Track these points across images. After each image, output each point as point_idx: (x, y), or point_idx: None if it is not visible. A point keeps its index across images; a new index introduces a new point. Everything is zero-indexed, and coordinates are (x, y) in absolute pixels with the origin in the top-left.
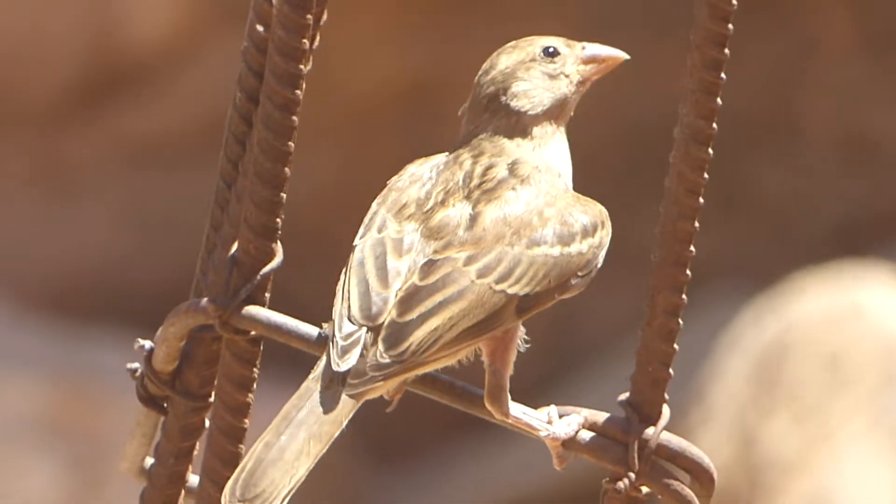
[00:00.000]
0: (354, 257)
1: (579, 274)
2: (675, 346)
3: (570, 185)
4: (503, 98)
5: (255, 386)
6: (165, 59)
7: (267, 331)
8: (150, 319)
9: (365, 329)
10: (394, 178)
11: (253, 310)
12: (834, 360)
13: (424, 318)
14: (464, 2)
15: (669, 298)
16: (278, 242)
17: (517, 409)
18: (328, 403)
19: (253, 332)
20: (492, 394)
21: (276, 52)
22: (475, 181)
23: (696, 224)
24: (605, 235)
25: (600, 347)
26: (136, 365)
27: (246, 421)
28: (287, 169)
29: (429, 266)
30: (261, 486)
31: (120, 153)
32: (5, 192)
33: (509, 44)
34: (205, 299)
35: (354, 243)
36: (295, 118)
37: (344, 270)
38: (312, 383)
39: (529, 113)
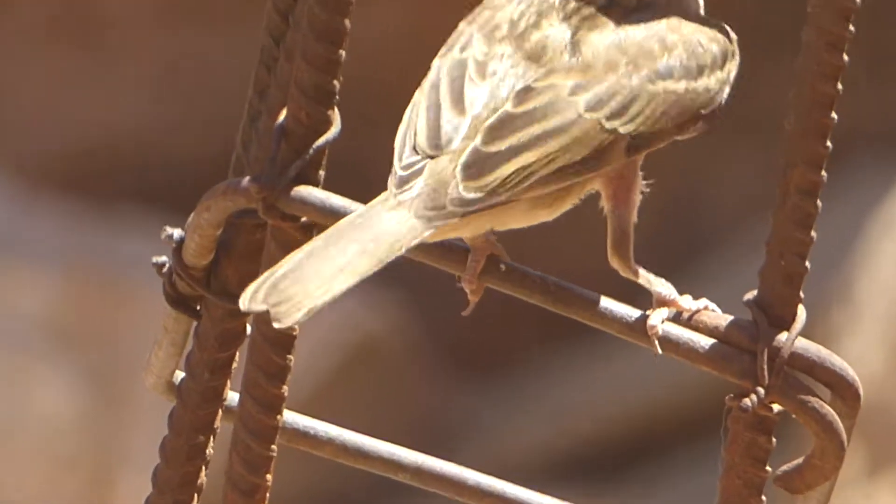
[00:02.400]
0: (428, 78)
1: (702, 112)
2: (813, 233)
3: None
4: None
5: None
6: None
7: (321, 216)
8: (182, 202)
9: (430, 160)
10: None
11: (304, 190)
12: None
13: (517, 150)
14: None
15: (806, 175)
16: (335, 108)
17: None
18: (391, 223)
19: (304, 218)
20: (617, 244)
21: None
22: (572, 4)
23: (840, 85)
24: (733, 67)
25: (723, 236)
26: (163, 258)
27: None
28: (346, 20)
29: (526, 92)
30: (290, 292)
31: (151, 5)
32: (18, 49)
33: None
34: (246, 178)
35: (433, 63)
36: None
37: (417, 92)
38: (378, 203)
39: None
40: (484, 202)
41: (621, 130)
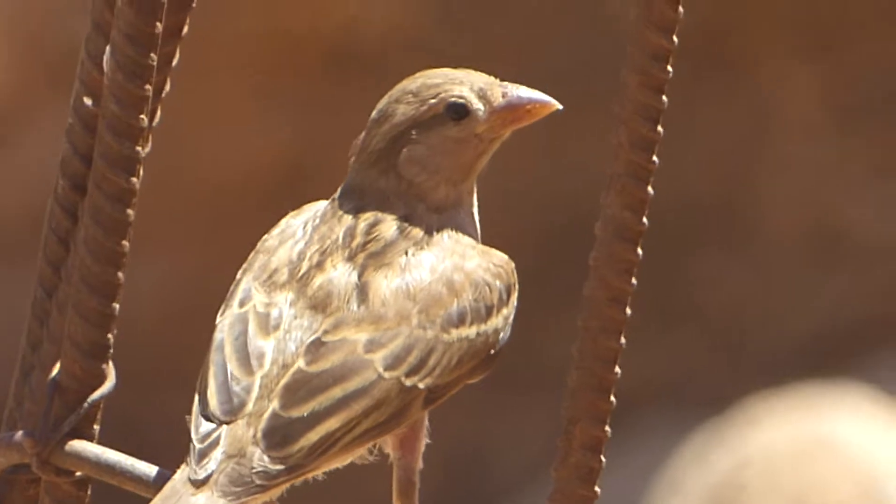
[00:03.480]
0: (214, 339)
1: (491, 353)
2: (597, 489)
3: (478, 238)
4: (393, 159)
5: None
6: None
7: (96, 471)
8: None
9: (225, 427)
10: (264, 237)
11: (79, 445)
12: (800, 503)
13: (320, 416)
14: (344, 64)
15: (589, 431)
16: (110, 363)
17: None
18: None
19: (79, 473)
20: (403, 491)
21: (107, 130)
22: (358, 240)
23: (622, 340)
24: (515, 298)
25: (508, 492)
26: None
27: None
28: (120, 273)
29: (318, 347)
30: None
31: None
32: None
33: (411, 84)
34: (20, 432)
35: (216, 322)
36: (130, 211)
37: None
38: (180, 485)
39: (425, 183)
40: (290, 474)
41: (420, 386)
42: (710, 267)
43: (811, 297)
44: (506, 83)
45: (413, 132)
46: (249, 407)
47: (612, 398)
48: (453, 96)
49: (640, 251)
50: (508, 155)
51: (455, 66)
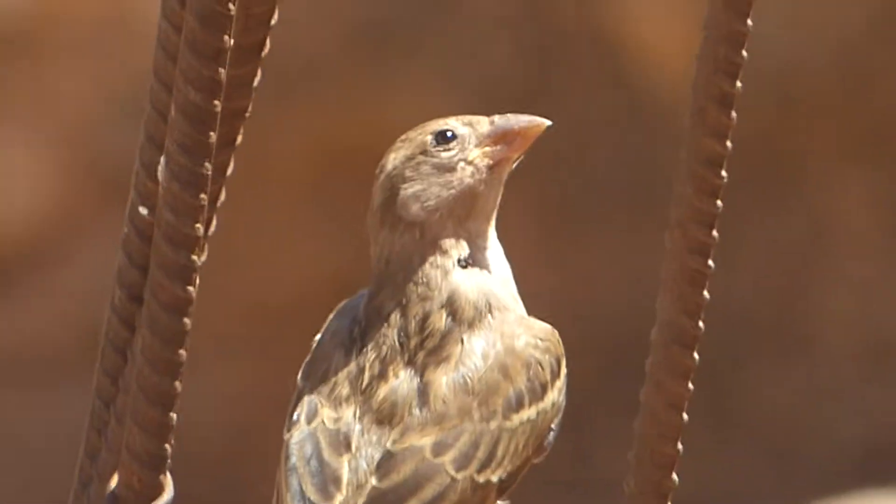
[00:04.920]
0: (284, 461)
1: (552, 427)
2: None
3: (515, 291)
4: (394, 208)
5: None
6: (30, 253)
7: None
8: None
9: None
10: (317, 337)
11: None
12: None
13: None
14: None
15: None
16: (167, 474)
17: None
18: None
19: None
20: None
21: (163, 239)
22: (414, 340)
23: (680, 446)
24: (564, 366)
25: None
26: None
27: None
28: (178, 383)
29: (388, 461)
30: None
31: None
32: None
33: (401, 137)
34: None
35: (284, 436)
36: (187, 320)
37: (276, 477)
38: None
39: (427, 222)
40: None
41: (493, 479)
42: (763, 377)
43: (864, 409)
44: (495, 116)
45: (406, 172)
46: None
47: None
48: (438, 127)
49: (696, 356)
50: (569, 270)
51: None
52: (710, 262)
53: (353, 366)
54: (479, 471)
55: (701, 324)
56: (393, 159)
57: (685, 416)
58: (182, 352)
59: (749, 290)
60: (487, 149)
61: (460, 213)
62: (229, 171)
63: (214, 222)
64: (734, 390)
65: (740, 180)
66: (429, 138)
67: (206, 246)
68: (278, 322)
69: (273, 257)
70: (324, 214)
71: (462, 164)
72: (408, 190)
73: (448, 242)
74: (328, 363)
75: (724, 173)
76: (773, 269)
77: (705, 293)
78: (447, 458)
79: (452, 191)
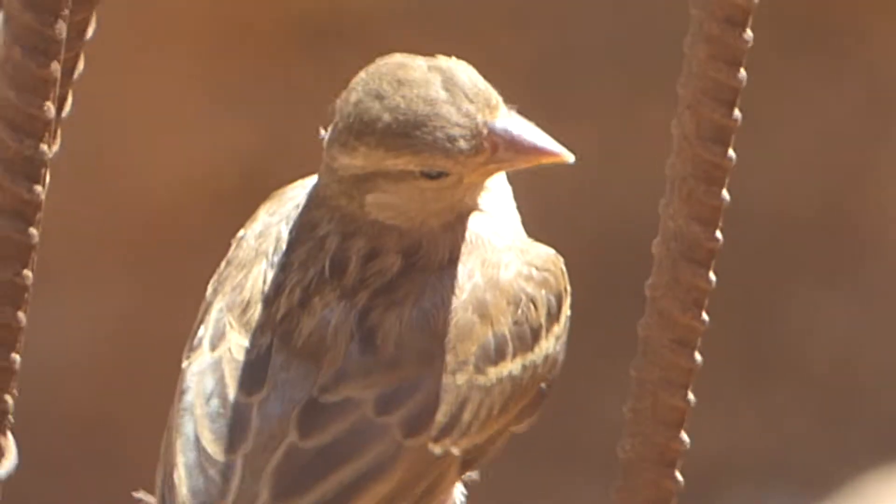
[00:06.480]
0: (178, 397)
1: (542, 386)
2: None
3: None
4: (360, 198)
5: None
6: None
7: None
8: None
9: None
10: (239, 234)
11: None
12: None
13: None
14: (315, 39)
15: None
16: (9, 434)
17: None
18: None
19: None
20: None
21: (2, 123)
22: (353, 276)
23: (691, 396)
24: (567, 308)
25: None
26: None
27: None
28: (21, 313)
29: (315, 413)
30: None
31: None
32: None
33: (373, 109)
34: None
35: (182, 364)
36: (33, 230)
37: (170, 414)
38: None
39: (404, 225)
40: None
41: (455, 451)
42: (812, 303)
43: None
44: (496, 110)
45: (380, 180)
46: (230, 499)
47: (679, 476)
48: (428, 163)
49: (712, 277)
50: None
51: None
52: (731, 152)
53: (270, 287)
54: (437, 439)
55: (719, 234)
56: (364, 155)
57: (698, 356)
58: (26, 272)
59: (789, 187)
60: (491, 165)
61: (446, 216)
62: (90, 32)
63: (70, 101)
64: (772, 322)
65: (773, 42)
66: (416, 170)
67: (60, 132)
68: (160, 231)
69: (155, 146)
70: (223, 93)
71: (453, 184)
72: (382, 199)
73: (418, 229)
74: (246, 272)
75: (748, 34)
76: (824, 158)
77: (724, 193)
78: (394, 419)
79: (437, 205)
